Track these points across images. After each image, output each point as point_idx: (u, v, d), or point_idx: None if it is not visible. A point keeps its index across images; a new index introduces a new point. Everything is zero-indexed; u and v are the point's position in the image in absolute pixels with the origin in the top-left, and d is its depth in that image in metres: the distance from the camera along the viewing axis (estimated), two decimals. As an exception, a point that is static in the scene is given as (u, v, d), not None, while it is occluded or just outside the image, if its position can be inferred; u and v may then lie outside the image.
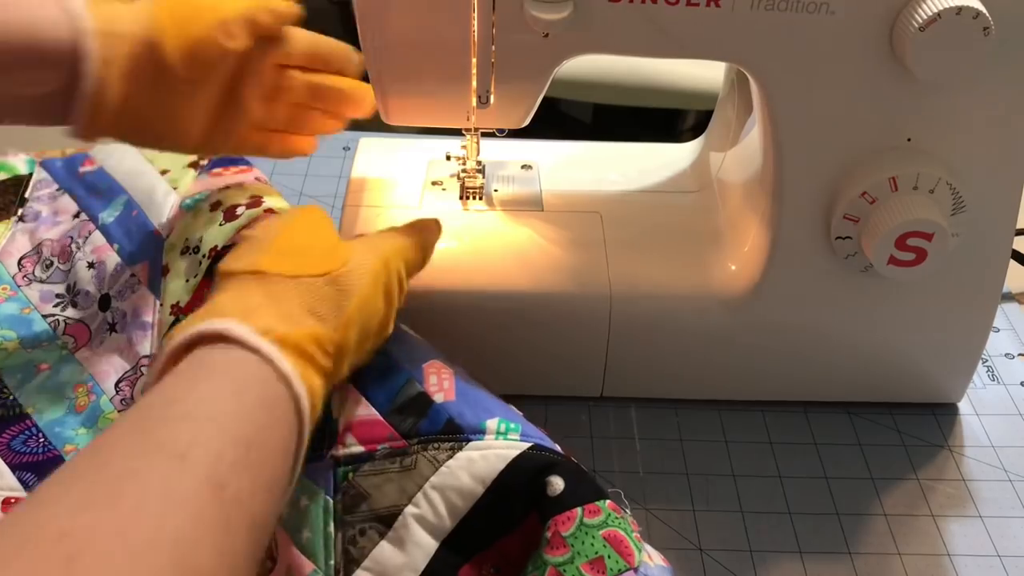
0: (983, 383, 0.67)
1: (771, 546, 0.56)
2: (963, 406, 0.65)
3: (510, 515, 0.46)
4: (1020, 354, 0.69)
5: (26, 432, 0.56)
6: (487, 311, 0.60)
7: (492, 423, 0.48)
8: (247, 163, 0.66)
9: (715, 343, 0.62)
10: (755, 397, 0.65)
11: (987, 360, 0.68)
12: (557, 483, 0.45)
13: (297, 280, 0.45)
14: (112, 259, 0.62)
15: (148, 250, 0.62)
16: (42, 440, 0.56)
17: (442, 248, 0.62)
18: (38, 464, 0.54)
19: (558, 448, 0.48)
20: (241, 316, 0.41)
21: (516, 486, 0.46)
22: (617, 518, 0.45)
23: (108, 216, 0.65)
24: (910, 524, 0.58)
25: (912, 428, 0.64)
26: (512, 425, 0.48)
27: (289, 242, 0.48)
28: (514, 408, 0.51)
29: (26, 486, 0.53)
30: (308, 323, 0.43)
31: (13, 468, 0.54)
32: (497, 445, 0.47)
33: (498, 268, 0.61)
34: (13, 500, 0.53)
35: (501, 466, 0.46)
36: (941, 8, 0.47)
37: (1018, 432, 0.64)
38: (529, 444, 0.47)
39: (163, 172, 0.66)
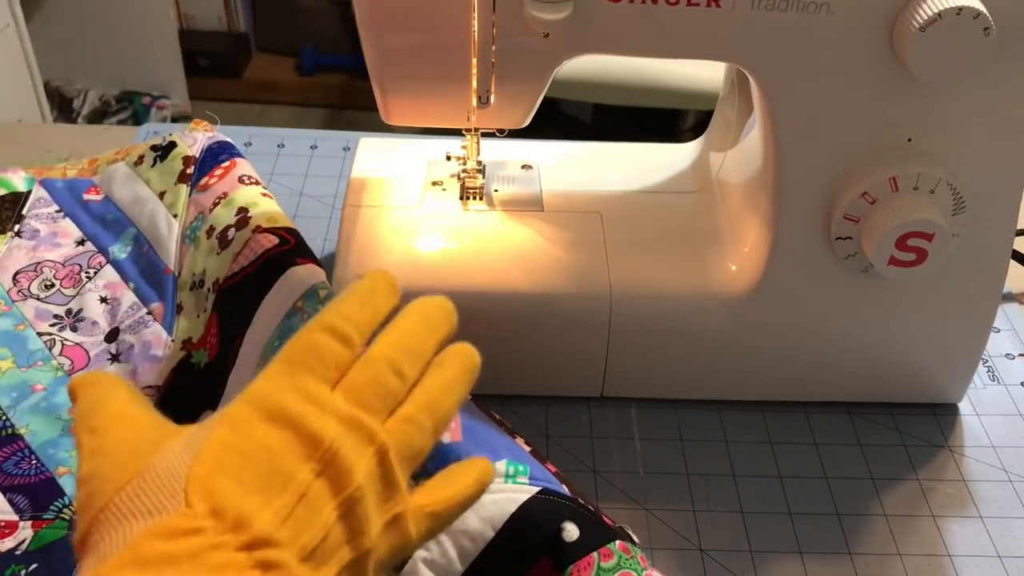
0: (983, 383, 0.67)
1: (771, 546, 0.56)
2: (963, 406, 0.65)
3: (520, 559, 0.46)
4: (1020, 354, 0.69)
5: (18, 453, 0.55)
6: (487, 311, 0.60)
7: (500, 466, 0.48)
8: (229, 155, 0.67)
9: (715, 343, 0.62)
10: (755, 397, 0.65)
11: (987, 360, 0.68)
12: (572, 530, 0.46)
13: (114, 504, 0.33)
14: (128, 297, 0.63)
15: (162, 290, 0.63)
16: (35, 462, 0.55)
17: (442, 248, 0.63)
18: (30, 486, 0.53)
19: (566, 490, 0.48)
20: None
21: (526, 530, 0.46)
22: (628, 559, 0.46)
23: (120, 252, 0.66)
24: (910, 524, 0.58)
25: (912, 428, 0.64)
26: (520, 468, 0.48)
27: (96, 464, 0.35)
28: (521, 442, 0.51)
29: (17, 509, 0.52)
30: (140, 528, 0.32)
31: (4, 490, 0.53)
32: (507, 488, 0.47)
33: (498, 268, 0.61)
34: (3, 523, 0.52)
35: (511, 509, 0.46)
36: (941, 8, 0.47)
37: (1018, 432, 0.64)
38: (539, 488, 0.47)
39: (160, 195, 0.67)
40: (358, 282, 0.40)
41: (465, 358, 0.41)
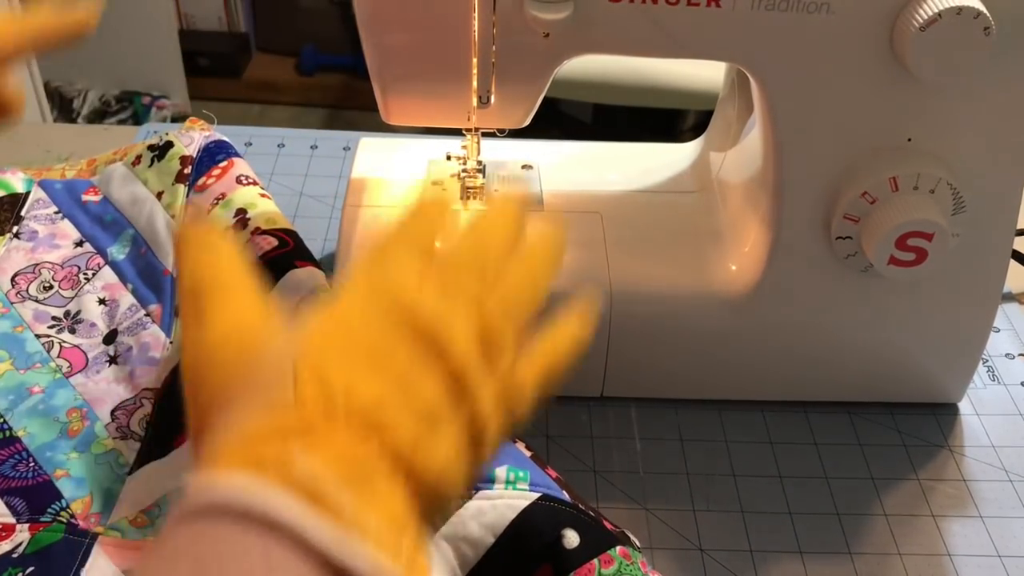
0: (983, 383, 0.67)
1: (771, 546, 0.56)
2: (963, 406, 0.65)
3: (521, 566, 0.46)
4: (1020, 354, 0.69)
5: (16, 456, 0.55)
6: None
7: (501, 472, 0.48)
8: (226, 155, 0.66)
9: (715, 343, 0.62)
10: (755, 397, 0.65)
11: (987, 360, 0.68)
12: (572, 537, 0.46)
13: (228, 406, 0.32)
14: (127, 299, 0.63)
15: (161, 292, 0.63)
16: (32, 464, 0.54)
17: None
18: (27, 489, 0.53)
19: (566, 496, 0.48)
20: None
21: (527, 537, 0.46)
22: (628, 565, 0.46)
23: (118, 253, 0.66)
24: (910, 524, 0.58)
25: (912, 428, 0.64)
26: (521, 474, 0.48)
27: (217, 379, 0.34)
28: (521, 447, 0.51)
29: (14, 511, 0.52)
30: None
31: (1, 493, 0.53)
32: (507, 495, 0.47)
33: (498, 268, 0.61)
34: (0, 526, 0.51)
35: (511, 515, 0.46)
36: (941, 8, 0.47)
37: (1018, 432, 0.64)
38: (539, 495, 0.47)
39: (158, 195, 0.67)
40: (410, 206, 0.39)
41: (548, 238, 0.40)
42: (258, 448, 0.28)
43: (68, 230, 0.68)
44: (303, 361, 0.31)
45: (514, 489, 0.47)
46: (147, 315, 0.62)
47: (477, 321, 0.34)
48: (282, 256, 0.57)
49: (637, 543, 0.49)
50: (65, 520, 0.52)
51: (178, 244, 0.37)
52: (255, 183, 0.65)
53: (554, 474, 0.50)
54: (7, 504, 0.53)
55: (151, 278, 0.64)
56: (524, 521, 0.46)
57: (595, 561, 0.45)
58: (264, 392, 0.30)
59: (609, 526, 0.49)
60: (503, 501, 0.47)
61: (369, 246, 0.37)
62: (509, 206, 0.40)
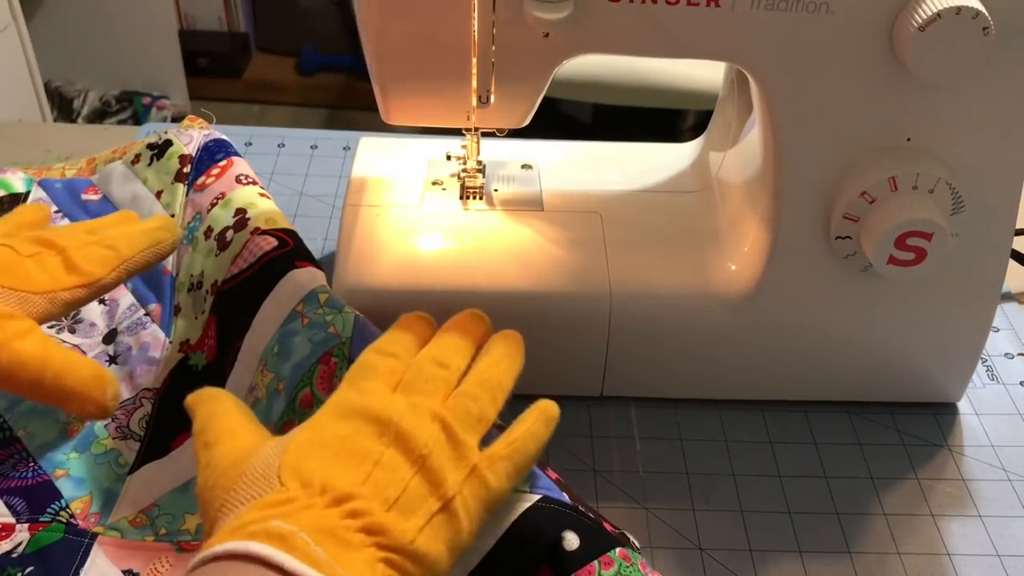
0: (983, 383, 0.67)
1: (771, 546, 0.56)
2: (963, 406, 0.65)
3: (521, 568, 0.46)
4: (1020, 354, 0.69)
5: (16, 456, 0.55)
6: (487, 311, 0.60)
7: None
8: (226, 154, 0.66)
9: (715, 343, 0.62)
10: (755, 397, 0.65)
11: (987, 360, 0.68)
12: (572, 539, 0.46)
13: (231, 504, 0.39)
14: (126, 299, 0.63)
15: (160, 291, 0.63)
16: (32, 465, 0.54)
17: (442, 248, 0.63)
18: (27, 489, 0.53)
19: (566, 497, 0.48)
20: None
21: (527, 539, 0.46)
22: (628, 567, 0.46)
23: None
24: (910, 524, 0.58)
25: (912, 428, 0.64)
26: None
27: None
28: None
29: (14, 511, 0.52)
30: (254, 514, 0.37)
31: (1, 493, 0.53)
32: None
33: (498, 268, 0.61)
34: (0, 526, 0.52)
35: (512, 517, 0.46)
36: (941, 8, 0.47)
37: (1018, 432, 0.64)
38: (539, 496, 0.47)
39: (158, 194, 0.67)
40: (397, 321, 0.49)
41: (507, 337, 0.49)
42: (247, 524, 0.36)
43: None
44: (285, 461, 0.39)
45: (514, 491, 0.47)
46: (147, 315, 0.62)
47: (441, 418, 0.42)
48: (282, 256, 0.57)
49: (637, 544, 0.49)
50: (65, 520, 0.52)
51: (189, 401, 0.46)
52: (255, 182, 0.64)
53: (554, 475, 0.50)
54: (7, 504, 0.53)
55: (151, 278, 0.64)
56: (524, 523, 0.46)
57: (595, 563, 0.45)
58: (254, 489, 0.38)
59: (609, 528, 0.49)
60: (503, 504, 0.47)
61: (353, 366, 0.46)
62: (470, 322, 0.50)
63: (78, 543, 0.52)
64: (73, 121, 2.13)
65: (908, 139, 0.54)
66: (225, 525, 0.37)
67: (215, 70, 2.41)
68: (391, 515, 0.38)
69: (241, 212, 0.61)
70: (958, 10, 0.47)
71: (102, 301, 0.63)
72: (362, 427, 0.41)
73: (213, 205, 0.62)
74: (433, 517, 0.39)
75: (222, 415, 0.44)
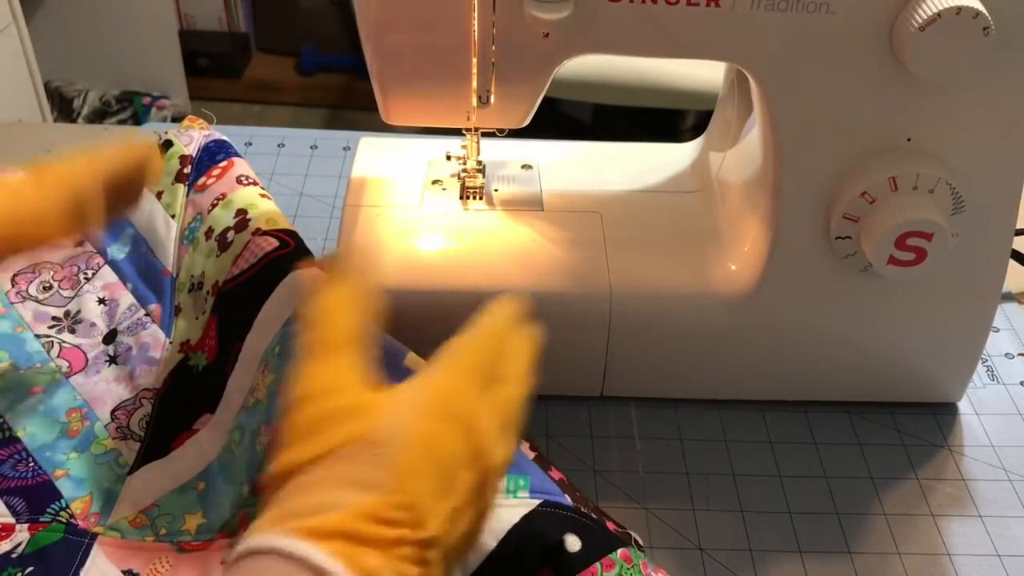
0: (983, 383, 0.67)
1: (771, 546, 0.56)
2: (963, 406, 0.65)
3: (522, 571, 0.46)
4: (1020, 354, 0.69)
5: (16, 456, 0.55)
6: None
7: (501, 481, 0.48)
8: (226, 155, 0.66)
9: (715, 343, 0.62)
10: (755, 397, 0.65)
11: (987, 360, 0.68)
12: (574, 541, 0.46)
13: (327, 460, 0.38)
14: (126, 299, 0.63)
15: (160, 291, 0.63)
16: (32, 464, 0.55)
17: (442, 248, 0.63)
18: (27, 489, 0.53)
19: (568, 500, 0.48)
20: (270, 524, 0.36)
21: (528, 541, 0.46)
22: (629, 568, 0.46)
23: (118, 252, 0.66)
24: (910, 524, 0.58)
25: (912, 428, 0.64)
26: (521, 481, 0.48)
27: (304, 418, 0.40)
28: (526, 448, 0.51)
29: (13, 511, 0.52)
30: (349, 500, 0.37)
31: (1, 493, 0.53)
32: (508, 503, 0.47)
33: (498, 268, 0.61)
34: (0, 526, 0.52)
35: (513, 519, 0.46)
36: (941, 8, 0.47)
37: (1018, 432, 0.64)
38: (539, 501, 0.47)
39: (158, 194, 0.67)
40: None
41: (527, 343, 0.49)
42: (339, 526, 0.35)
43: None
44: (403, 461, 0.38)
45: (514, 498, 0.47)
46: (147, 315, 0.62)
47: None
48: (283, 257, 0.57)
49: (641, 543, 0.49)
50: (65, 520, 0.52)
51: (314, 295, 0.43)
52: (255, 183, 0.64)
53: (558, 475, 0.50)
54: (7, 504, 0.53)
55: (151, 278, 0.64)
56: (525, 526, 0.46)
57: (596, 565, 0.45)
58: (350, 466, 0.37)
59: (612, 527, 0.49)
60: (503, 507, 0.47)
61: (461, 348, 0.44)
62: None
63: (78, 543, 0.52)
64: (73, 121, 2.13)
65: (908, 139, 0.54)
66: (311, 500, 0.36)
67: (215, 70, 2.41)
68: (447, 532, 0.38)
69: (242, 213, 0.61)
70: (958, 10, 0.47)
71: (102, 301, 0.63)
72: (461, 447, 0.39)
73: (214, 206, 0.62)
74: (473, 524, 0.39)
75: (337, 332, 0.41)
